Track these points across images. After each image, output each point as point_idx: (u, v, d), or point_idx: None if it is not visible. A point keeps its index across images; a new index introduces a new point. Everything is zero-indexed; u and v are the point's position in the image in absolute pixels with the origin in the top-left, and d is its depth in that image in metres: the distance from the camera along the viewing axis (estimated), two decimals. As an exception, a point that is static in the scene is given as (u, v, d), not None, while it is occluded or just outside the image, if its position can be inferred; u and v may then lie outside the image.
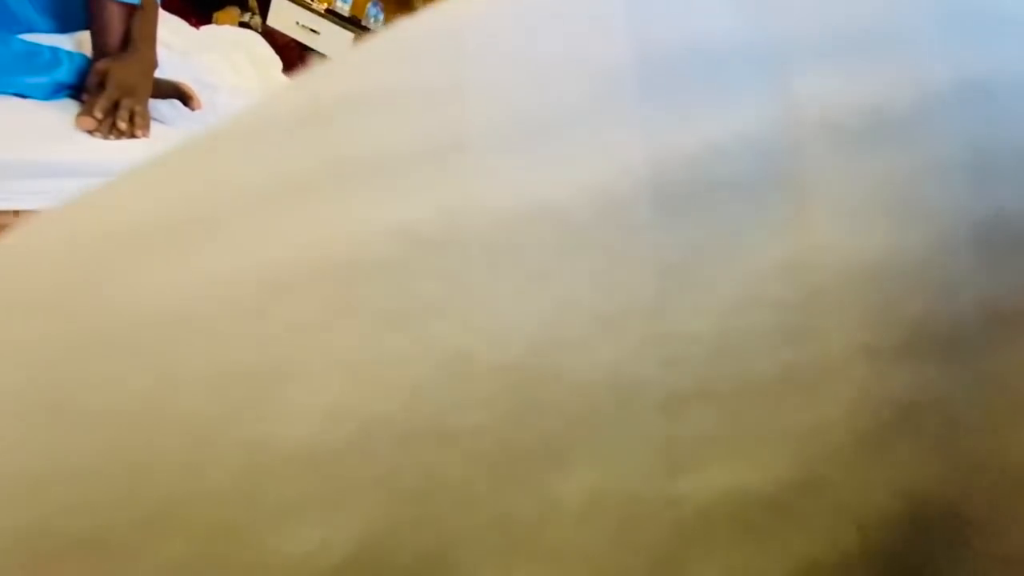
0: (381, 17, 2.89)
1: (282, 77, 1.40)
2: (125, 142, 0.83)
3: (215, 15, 1.86)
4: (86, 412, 0.07)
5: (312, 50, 2.61)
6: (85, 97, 0.83)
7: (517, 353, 0.07)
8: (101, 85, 0.82)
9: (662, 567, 0.07)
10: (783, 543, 0.07)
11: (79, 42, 0.92)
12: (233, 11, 1.93)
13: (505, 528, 0.07)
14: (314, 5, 2.81)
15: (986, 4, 0.09)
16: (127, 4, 0.85)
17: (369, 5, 2.88)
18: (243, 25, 1.99)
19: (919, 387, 0.07)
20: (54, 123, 0.79)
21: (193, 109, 0.99)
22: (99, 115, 0.80)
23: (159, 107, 0.94)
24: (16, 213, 0.71)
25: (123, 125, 0.82)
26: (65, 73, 0.85)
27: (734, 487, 0.07)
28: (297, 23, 2.70)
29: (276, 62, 1.43)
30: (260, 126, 0.09)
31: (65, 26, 0.93)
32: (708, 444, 0.07)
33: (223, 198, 0.08)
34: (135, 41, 0.86)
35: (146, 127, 0.86)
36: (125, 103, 0.82)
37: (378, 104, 0.08)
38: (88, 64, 0.87)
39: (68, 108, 0.85)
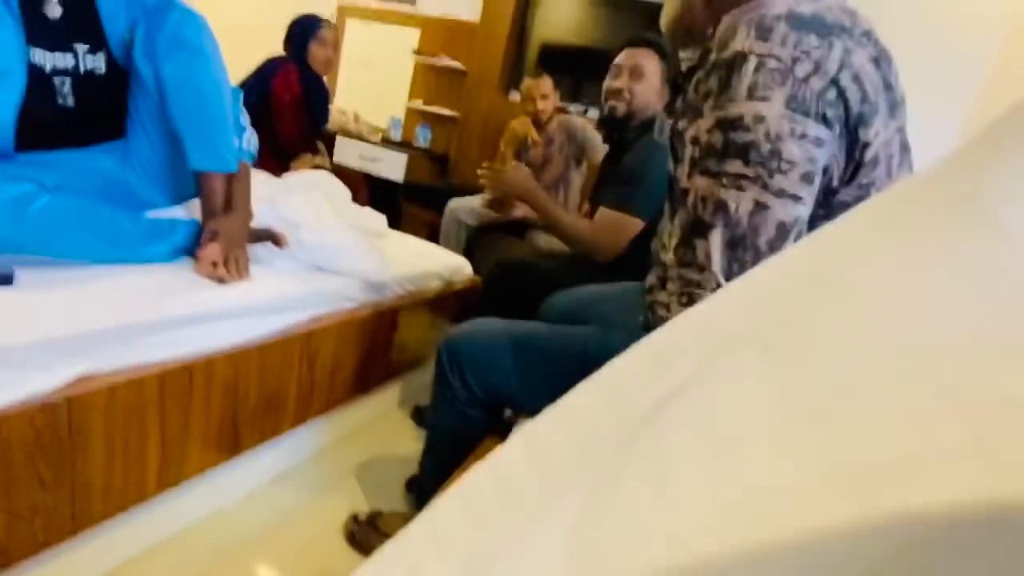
0: (430, 135, 3.20)
1: (352, 205, 1.56)
2: (231, 286, 0.93)
3: (292, 164, 2.13)
4: None
5: (371, 177, 2.91)
6: (199, 252, 0.96)
7: None
8: (212, 240, 0.95)
9: None
10: None
11: (191, 210, 1.08)
12: (306, 157, 2.20)
13: None
14: (371, 138, 3.17)
15: None
16: (226, 173, 0.99)
17: (417, 128, 3.20)
18: (316, 167, 2.26)
19: None
20: (174, 281, 0.91)
21: (282, 247, 1.10)
22: (219, 269, 0.93)
23: (255, 251, 1.06)
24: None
25: (233, 271, 0.94)
26: (181, 239, 0.99)
27: None
28: (360, 156, 3.04)
29: (347, 193, 1.60)
30: None
31: (179, 198, 1.10)
32: None
33: None
34: (234, 201, 1.01)
35: (247, 271, 0.97)
36: (231, 253, 0.94)
37: None
38: (198, 227, 1.01)
39: (184, 266, 0.97)
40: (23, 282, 0.77)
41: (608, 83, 1.33)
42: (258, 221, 1.11)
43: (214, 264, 0.93)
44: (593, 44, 2.79)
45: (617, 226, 1.31)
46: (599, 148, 2.29)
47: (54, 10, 0.90)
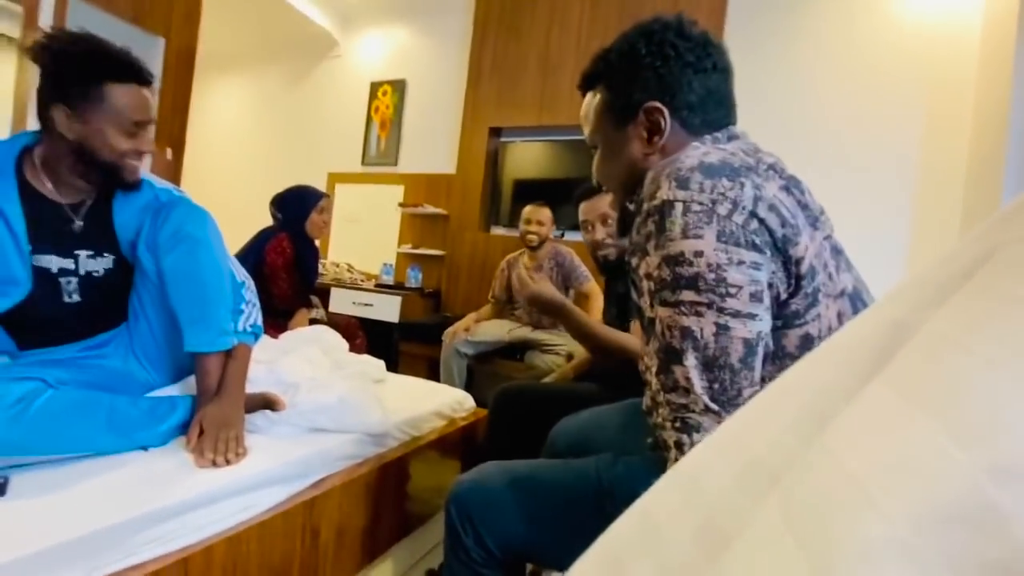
0: (420, 276, 3.35)
1: (348, 355, 1.58)
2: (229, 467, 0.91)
3: (290, 323, 2.19)
4: None
5: (367, 320, 2.98)
6: (188, 439, 0.94)
7: None
8: (200, 430, 0.94)
9: None
10: None
11: (188, 386, 1.09)
12: (303, 313, 2.28)
13: None
14: (364, 285, 3.31)
15: None
16: (220, 353, 1.01)
17: (408, 270, 3.36)
18: (313, 321, 2.32)
19: None
20: (169, 466, 0.88)
21: (278, 411, 1.09)
22: (210, 455, 0.90)
23: (252, 420, 1.05)
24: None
25: (230, 456, 0.92)
26: (180, 416, 0.98)
27: None
28: (353, 303, 3.14)
29: (343, 344, 1.63)
30: None
31: (176, 377, 1.11)
32: None
33: None
34: (226, 382, 1.01)
35: (242, 448, 0.95)
36: (222, 436, 0.93)
37: None
38: (194, 403, 1.01)
39: (178, 448, 0.95)
40: (15, 490, 0.75)
41: (588, 238, 1.45)
42: (256, 385, 1.12)
43: (210, 458, 0.90)
44: (559, 176, 3.07)
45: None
46: (584, 277, 2.41)
47: (76, 225, 0.99)
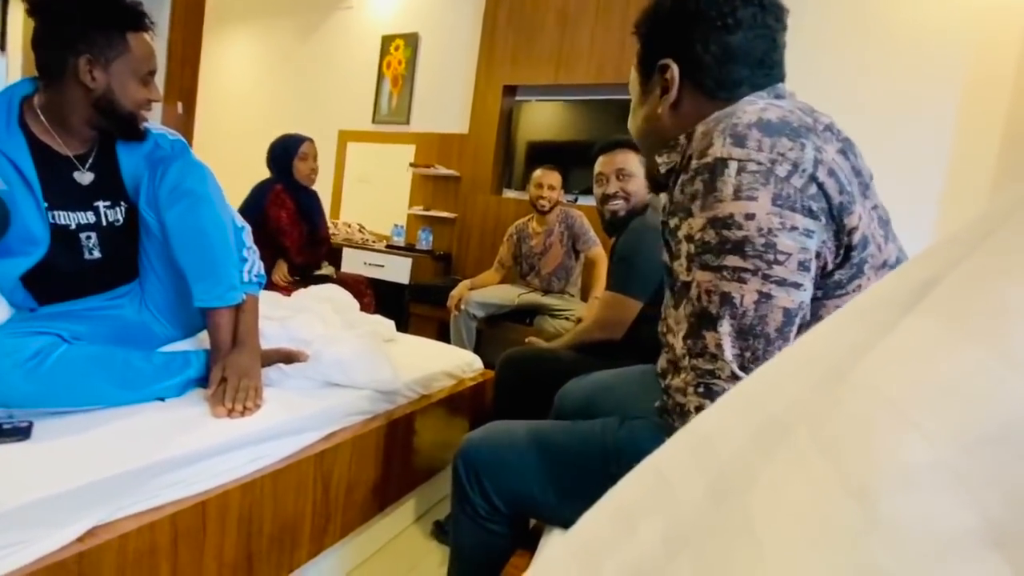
0: (431, 238, 3.34)
1: (360, 315, 1.60)
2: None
3: (273, 276, 2.23)
4: None
5: (378, 280, 3.00)
6: (210, 387, 0.96)
7: None
8: (220, 380, 0.96)
9: None
10: None
11: (200, 341, 1.11)
12: (280, 264, 2.30)
13: None
14: (376, 245, 3.31)
15: None
16: (231, 307, 1.02)
17: (419, 231, 3.35)
18: (322, 278, 2.34)
19: None
20: (187, 416, 0.91)
21: (301, 361, 1.12)
22: (229, 404, 0.92)
23: (268, 374, 1.07)
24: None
25: (249, 404, 0.94)
26: (195, 371, 1.00)
27: None
28: (365, 263, 3.15)
29: (354, 303, 1.65)
30: None
31: (192, 331, 1.13)
32: None
33: None
34: (242, 334, 1.02)
35: (260, 398, 0.97)
36: (243, 385, 0.95)
37: None
38: (208, 358, 1.03)
39: (197, 399, 0.98)
40: (38, 434, 0.77)
41: (600, 191, 1.43)
42: (269, 342, 1.14)
43: (230, 407, 0.92)
44: (574, 139, 2.99)
45: (615, 306, 1.36)
46: (592, 241, 2.38)
47: (84, 177, 0.98)
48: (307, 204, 2.33)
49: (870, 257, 0.58)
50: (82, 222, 0.98)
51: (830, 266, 0.57)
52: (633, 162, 1.39)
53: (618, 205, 1.40)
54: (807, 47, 2.49)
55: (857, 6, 2.52)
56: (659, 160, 0.70)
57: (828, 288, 0.58)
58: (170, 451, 0.80)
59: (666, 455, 0.23)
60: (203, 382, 1.01)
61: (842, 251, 0.57)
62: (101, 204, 1.00)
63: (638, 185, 1.39)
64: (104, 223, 1.00)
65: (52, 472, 0.70)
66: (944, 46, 2.36)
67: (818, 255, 0.55)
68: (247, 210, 2.18)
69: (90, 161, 0.99)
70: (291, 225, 2.25)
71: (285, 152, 2.28)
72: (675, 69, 0.66)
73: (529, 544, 0.83)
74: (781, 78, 0.66)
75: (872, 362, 0.17)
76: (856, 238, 0.56)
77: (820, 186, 0.54)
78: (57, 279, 0.97)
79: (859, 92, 2.50)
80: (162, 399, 0.95)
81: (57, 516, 0.66)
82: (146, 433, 0.83)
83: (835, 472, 0.15)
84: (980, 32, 2.31)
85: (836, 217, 0.55)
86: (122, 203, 1.02)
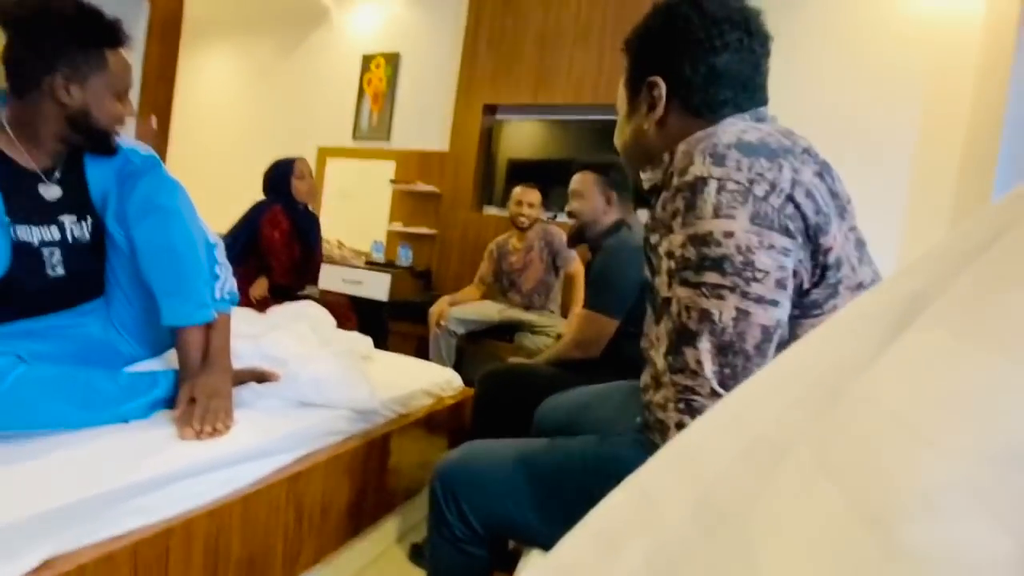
0: (411, 255, 3.32)
1: (336, 332, 1.57)
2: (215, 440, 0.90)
3: (251, 291, 2.20)
4: None
5: (357, 297, 2.96)
6: (178, 408, 0.92)
7: None
8: (188, 402, 0.92)
9: None
10: None
11: (169, 361, 1.07)
12: (261, 280, 2.27)
13: None
14: (354, 261, 3.28)
15: None
16: (202, 325, 0.98)
17: (399, 248, 3.33)
18: (306, 298, 2.30)
19: None
20: (151, 439, 0.87)
21: (273, 381, 1.09)
22: (198, 426, 0.88)
23: (239, 393, 1.04)
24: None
25: (219, 425, 0.90)
26: (162, 391, 0.97)
27: None
28: (343, 280, 3.12)
29: (330, 320, 1.62)
30: None
31: (157, 350, 1.09)
32: None
33: None
34: (213, 353, 0.99)
35: (230, 420, 0.94)
36: (213, 406, 0.91)
37: None
38: (176, 378, 0.99)
39: (163, 420, 0.94)
40: (-8, 460, 0.73)
41: (568, 208, 1.58)
42: (242, 361, 1.11)
43: (198, 429, 0.89)
44: (554, 157, 3.03)
45: (591, 324, 1.38)
46: (572, 257, 2.40)
47: (50, 191, 0.95)
48: (305, 226, 2.32)
49: (845, 278, 0.59)
50: (46, 238, 0.94)
51: (806, 284, 0.58)
52: (586, 183, 1.51)
53: (572, 222, 1.55)
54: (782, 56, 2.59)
55: (824, 17, 2.63)
56: (643, 176, 0.71)
57: (805, 307, 0.59)
58: (134, 475, 0.76)
59: (649, 473, 0.23)
60: (171, 403, 0.97)
61: (818, 271, 0.58)
62: (66, 219, 0.97)
63: (583, 205, 1.51)
64: (69, 239, 0.97)
65: (4, 499, 0.66)
66: (906, 56, 2.48)
67: (795, 273, 0.56)
68: (240, 230, 2.18)
69: (56, 175, 0.96)
70: (283, 246, 2.23)
71: (282, 176, 2.29)
72: (663, 87, 0.68)
73: (507, 566, 0.81)
74: (764, 102, 0.69)
75: (874, 378, 0.16)
76: (831, 258, 0.58)
77: (797, 206, 0.55)
78: (18, 297, 0.93)
79: (824, 112, 2.60)
80: (126, 421, 0.91)
81: (10, 546, 0.62)
82: (109, 457, 0.80)
83: (845, 498, 0.14)
84: (936, 45, 2.43)
85: (812, 237, 0.56)
86: (88, 218, 0.99)
